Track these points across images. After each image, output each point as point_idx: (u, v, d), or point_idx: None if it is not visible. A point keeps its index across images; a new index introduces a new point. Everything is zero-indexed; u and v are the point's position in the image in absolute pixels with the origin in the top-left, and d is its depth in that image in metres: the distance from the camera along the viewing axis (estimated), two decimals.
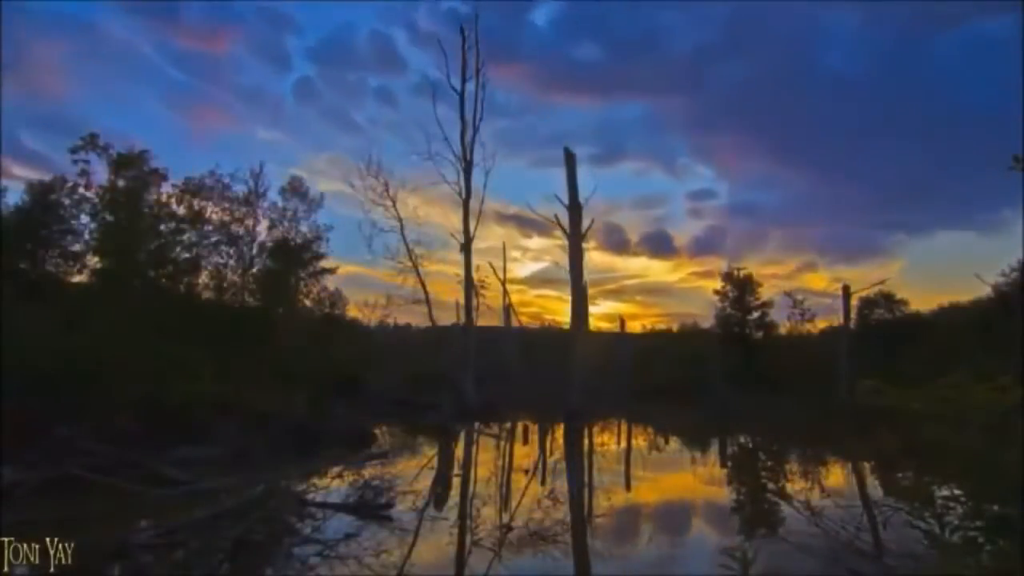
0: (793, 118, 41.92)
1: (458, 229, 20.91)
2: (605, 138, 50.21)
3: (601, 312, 38.45)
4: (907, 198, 38.68)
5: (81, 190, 18.16)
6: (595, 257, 43.58)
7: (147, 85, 44.91)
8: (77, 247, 18.72)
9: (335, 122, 47.28)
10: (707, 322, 28.71)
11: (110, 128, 49.95)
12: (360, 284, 50.92)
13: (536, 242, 44.92)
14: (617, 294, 45.32)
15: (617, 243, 42.50)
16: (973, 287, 34.29)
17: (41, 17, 36.59)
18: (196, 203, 19.41)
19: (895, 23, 38.71)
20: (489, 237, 51.44)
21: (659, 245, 47.04)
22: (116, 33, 41.88)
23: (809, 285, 49.67)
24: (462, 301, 21.60)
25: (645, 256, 49.16)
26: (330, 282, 22.82)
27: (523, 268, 54.10)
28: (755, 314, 26.77)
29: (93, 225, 18.38)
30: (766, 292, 26.89)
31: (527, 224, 35.17)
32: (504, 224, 46.14)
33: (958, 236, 42.74)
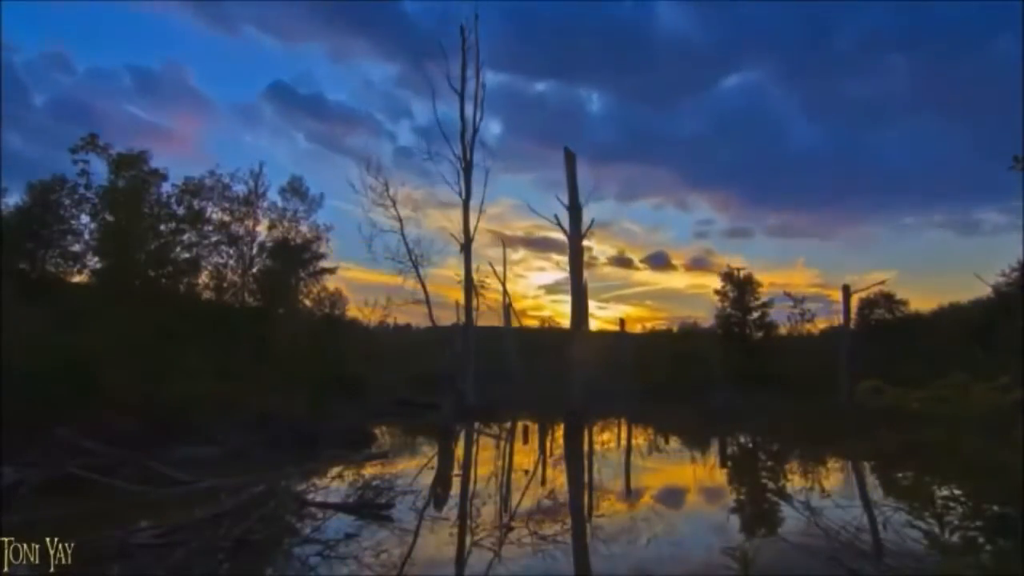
0: (770, 177, 53.94)
1: (458, 229, 20.94)
2: (626, 186, 59.04)
3: (611, 316, 42.92)
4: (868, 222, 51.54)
5: (81, 190, 18.21)
6: (607, 270, 48.70)
7: (281, 149, 53.99)
8: (77, 247, 18.80)
9: (414, 171, 52.07)
10: (707, 322, 28.76)
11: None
12: (361, 285, 52.40)
13: (558, 258, 48.92)
14: (627, 299, 51.14)
15: (628, 259, 48.01)
16: (972, 288, 35.38)
17: (211, 104, 53.70)
18: (196, 203, 19.43)
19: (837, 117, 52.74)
20: (517, 256, 56.00)
21: (666, 259, 50.89)
22: (271, 117, 56.22)
23: (803, 292, 53.33)
24: (462, 301, 21.61)
25: (655, 270, 53.62)
26: (330, 282, 22.88)
27: (543, 277, 58.74)
28: (755, 314, 26.76)
29: (93, 225, 18.43)
30: (764, 295, 26.94)
31: (552, 246, 38.78)
32: (532, 248, 51.53)
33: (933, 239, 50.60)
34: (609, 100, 61.01)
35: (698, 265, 50.97)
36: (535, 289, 54.26)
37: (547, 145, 53.91)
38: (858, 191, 52.63)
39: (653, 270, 53.46)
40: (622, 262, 48.42)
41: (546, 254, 50.62)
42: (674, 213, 62.08)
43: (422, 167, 48.63)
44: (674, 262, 51.63)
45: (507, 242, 51.74)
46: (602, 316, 42.14)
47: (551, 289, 57.93)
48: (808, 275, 55.29)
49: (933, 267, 50.45)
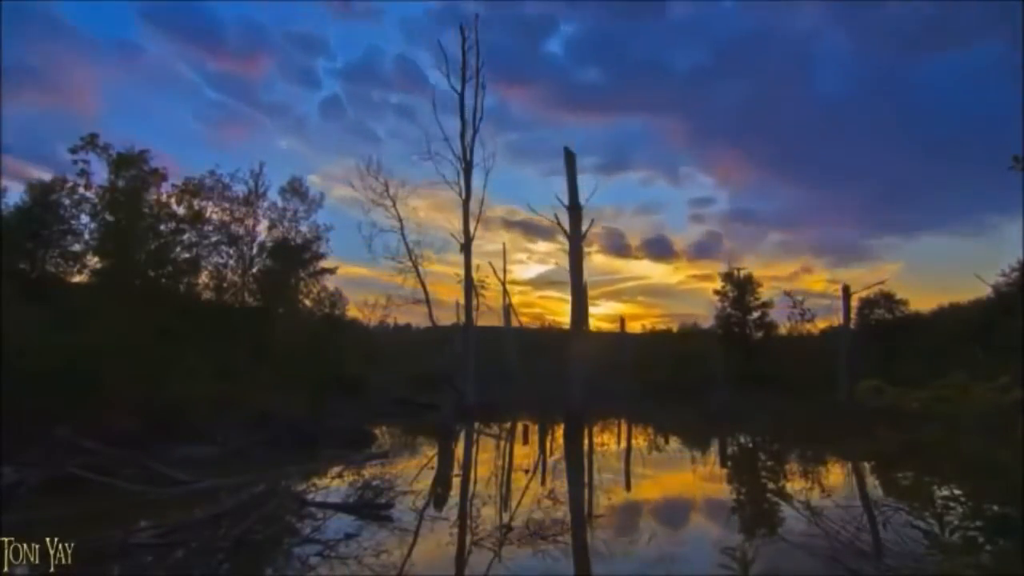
0: (786, 133, 44.29)
1: (458, 229, 20.94)
2: (611, 149, 51.90)
3: (603, 313, 39.67)
4: (897, 202, 40.94)
5: (81, 190, 18.24)
6: (597, 260, 44.84)
7: (184, 103, 48.72)
8: (77, 247, 18.83)
9: (355, 134, 48.40)
10: (707, 322, 28.79)
11: (143, 142, 51.55)
12: (361, 285, 51.32)
13: (541, 245, 45.97)
14: (619, 295, 46.87)
15: (619, 247, 43.74)
16: (972, 287, 34.28)
17: (86, 40, 42.33)
18: (196, 203, 19.46)
19: (882, 45, 41.17)
20: (496, 241, 52.20)
21: (659, 249, 47.28)
22: (159, 56, 46.34)
23: (808, 287, 50.11)
24: (462, 301, 21.62)
25: (646, 260, 50.87)
26: (330, 282, 22.89)
27: (528, 270, 55.31)
28: (755, 314, 26.80)
29: (93, 225, 18.45)
30: (765, 293, 26.97)
31: (533, 230, 35.73)
32: (511, 230, 45.69)
33: (946, 240, 43.76)
34: (580, 19, 47.56)
35: (700, 253, 45.86)
36: (522, 284, 50.85)
37: (501, 78, 43.87)
38: (898, 152, 39.59)
39: (653, 259, 49.81)
40: (619, 249, 43.27)
41: (530, 237, 44.93)
42: (665, 189, 53.32)
43: (357, 126, 44.75)
44: (676, 248, 47.20)
45: (486, 224, 48.68)
46: (592, 314, 40.17)
47: (538, 284, 55.22)
48: (818, 265, 49.15)
49: (980, 259, 39.52)
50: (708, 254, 49.67)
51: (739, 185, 48.64)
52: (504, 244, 46.18)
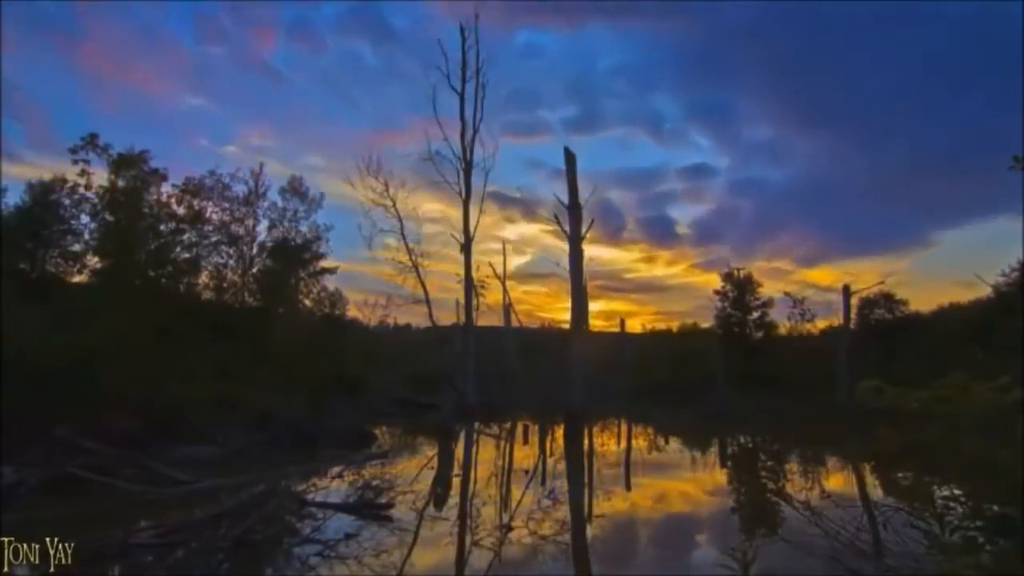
0: (809, 59, 31.05)
1: (458, 228, 20.93)
2: (581, 96, 40.98)
3: (597, 310, 37.81)
4: (931, 177, 30.77)
5: (81, 190, 18.23)
6: (587, 248, 41.97)
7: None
8: (77, 247, 18.82)
9: (252, 72, 41.98)
10: (707, 322, 28.80)
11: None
12: (359, 284, 50.63)
13: (522, 226, 41.10)
14: (609, 292, 44.74)
15: (612, 231, 38.84)
16: (976, 287, 32.98)
17: None
18: (196, 203, 19.47)
19: None
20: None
21: (658, 235, 42.62)
22: None
23: (815, 280, 48.15)
24: (462, 301, 21.61)
25: (643, 245, 46.00)
26: (330, 282, 22.91)
27: (511, 261, 52.39)
28: (755, 314, 26.81)
29: (93, 225, 18.45)
30: (769, 288, 26.98)
31: (508, 202, 31.89)
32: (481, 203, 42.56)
33: (981, 227, 37.05)
34: None
35: (700, 241, 41.68)
36: (508, 279, 47.66)
37: None
38: (953, 94, 27.35)
39: (645, 249, 46.07)
40: (610, 235, 39.57)
41: (505, 210, 38.44)
42: (650, 149, 43.50)
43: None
44: (676, 234, 40.63)
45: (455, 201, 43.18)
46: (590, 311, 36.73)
47: (520, 278, 48.57)
48: (830, 251, 46.16)
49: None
50: (708, 239, 43.53)
51: (741, 144, 38.65)
52: (503, 244, 46.04)
